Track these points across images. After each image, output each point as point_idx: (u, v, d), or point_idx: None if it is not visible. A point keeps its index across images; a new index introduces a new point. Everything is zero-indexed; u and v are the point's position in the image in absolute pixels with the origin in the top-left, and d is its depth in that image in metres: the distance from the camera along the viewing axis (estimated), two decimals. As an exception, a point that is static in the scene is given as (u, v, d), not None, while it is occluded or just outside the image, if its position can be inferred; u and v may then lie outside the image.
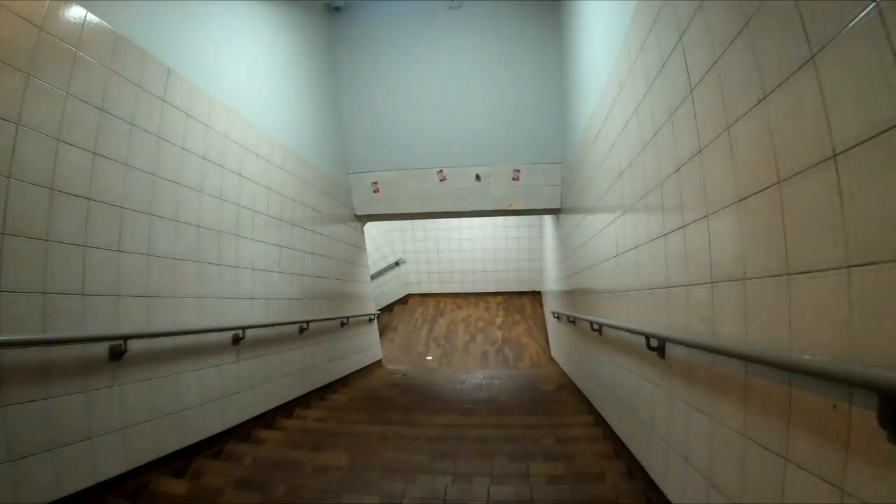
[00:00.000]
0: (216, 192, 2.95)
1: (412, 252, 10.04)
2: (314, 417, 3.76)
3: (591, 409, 3.65)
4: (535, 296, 9.68)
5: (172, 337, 2.49)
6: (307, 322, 4.05)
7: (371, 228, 8.36)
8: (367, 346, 6.14)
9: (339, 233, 5.28)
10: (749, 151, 1.19)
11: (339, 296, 5.18)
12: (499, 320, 8.89)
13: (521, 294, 9.85)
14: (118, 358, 2.17)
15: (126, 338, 2.17)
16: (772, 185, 1.09)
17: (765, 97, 1.11)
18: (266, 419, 3.45)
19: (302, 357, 4.10)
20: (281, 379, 3.70)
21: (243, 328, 3.07)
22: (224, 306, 2.99)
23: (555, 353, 6.79)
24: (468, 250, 9.91)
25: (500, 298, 9.82)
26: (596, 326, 3.09)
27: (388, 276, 9.56)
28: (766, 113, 1.10)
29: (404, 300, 10.14)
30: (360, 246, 6.06)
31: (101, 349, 2.10)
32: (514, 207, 5.58)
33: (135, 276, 2.29)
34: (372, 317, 6.32)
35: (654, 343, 1.89)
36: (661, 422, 1.93)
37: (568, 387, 4.86)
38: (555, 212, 5.66)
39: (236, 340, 3.06)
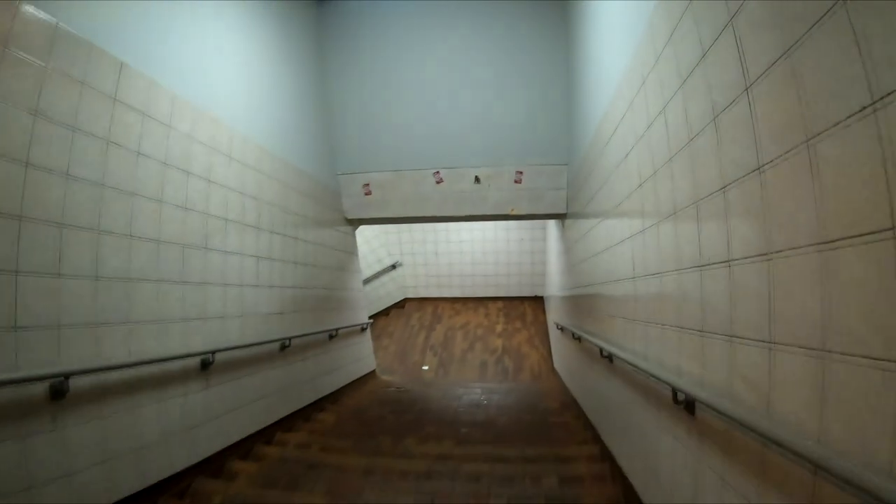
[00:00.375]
0: (180, 201, 2.62)
1: (409, 254, 9.72)
2: (295, 443, 3.46)
3: (595, 436, 3.34)
4: (537, 301, 9.35)
5: (127, 369, 2.19)
6: (289, 339, 3.73)
7: (366, 229, 8.05)
8: (360, 357, 5.82)
9: (327, 238, 4.94)
10: (845, 177, 0.86)
11: (327, 306, 4.85)
12: (499, 327, 8.55)
13: (522, 300, 9.50)
14: (60, 397, 1.88)
15: (67, 375, 1.88)
16: (890, 233, 0.77)
17: (882, 105, 0.78)
18: (242, 447, 3.15)
19: (284, 376, 3.79)
20: (259, 402, 3.39)
21: (212, 352, 2.76)
22: (190, 329, 2.68)
23: (557, 365, 6.47)
24: (468, 253, 9.57)
25: (500, 304, 9.47)
26: (606, 353, 2.77)
27: (384, 279, 9.25)
28: (888, 125, 0.77)
29: (401, 304, 9.82)
30: (350, 251, 5.72)
31: (40, 388, 1.81)
32: (515, 212, 5.24)
33: (79, 303, 1.99)
34: (364, 326, 6.00)
35: (681, 397, 1.57)
36: (685, 488, 1.62)
37: (571, 406, 4.55)
38: (560, 217, 5.33)
39: (205, 366, 2.75)
